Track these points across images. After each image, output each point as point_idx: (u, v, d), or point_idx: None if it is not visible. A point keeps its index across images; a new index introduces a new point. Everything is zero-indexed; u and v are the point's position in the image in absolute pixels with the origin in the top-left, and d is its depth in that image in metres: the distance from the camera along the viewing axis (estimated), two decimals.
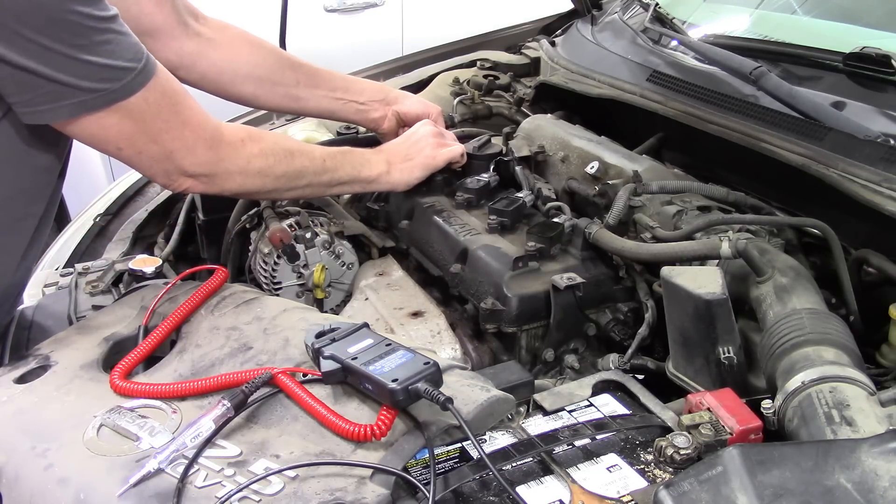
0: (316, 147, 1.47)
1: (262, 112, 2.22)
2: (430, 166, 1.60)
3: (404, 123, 1.77)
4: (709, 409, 1.02)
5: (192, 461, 0.93)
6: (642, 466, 0.98)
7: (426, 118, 1.73)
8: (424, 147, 1.60)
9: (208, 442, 0.96)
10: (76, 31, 1.04)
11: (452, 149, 1.64)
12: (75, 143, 1.31)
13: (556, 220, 1.49)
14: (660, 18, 1.99)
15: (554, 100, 2.10)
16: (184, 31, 1.53)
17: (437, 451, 0.99)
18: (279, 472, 0.91)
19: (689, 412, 1.03)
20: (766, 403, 1.03)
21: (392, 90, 1.81)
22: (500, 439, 1.03)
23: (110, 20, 1.08)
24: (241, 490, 0.89)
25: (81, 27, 1.04)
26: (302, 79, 1.68)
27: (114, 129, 1.14)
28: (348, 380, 1.01)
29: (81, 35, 1.04)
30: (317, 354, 1.02)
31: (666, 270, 1.21)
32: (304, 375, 1.04)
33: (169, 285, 1.30)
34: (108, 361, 1.17)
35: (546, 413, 1.09)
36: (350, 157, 1.49)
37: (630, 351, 1.32)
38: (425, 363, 0.97)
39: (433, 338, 1.38)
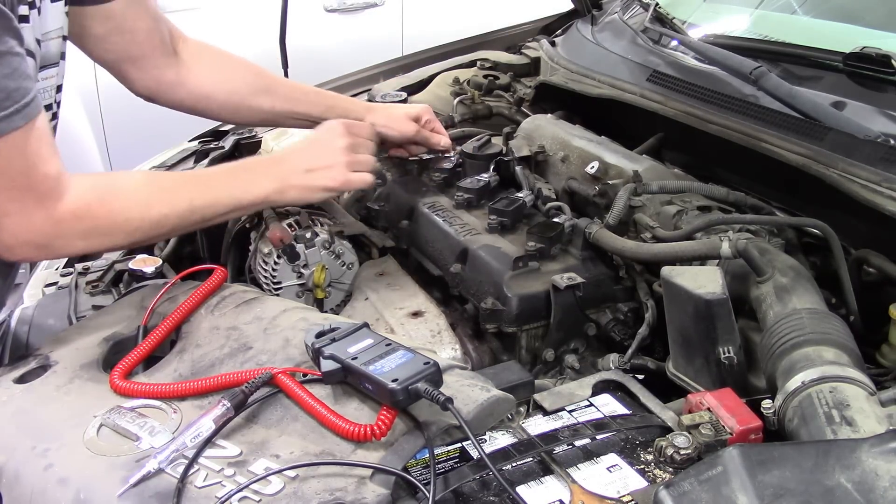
0: (189, 179, 1.34)
1: None
2: (333, 190, 1.40)
3: (383, 141, 1.65)
4: (709, 409, 1.02)
5: (192, 461, 0.93)
6: (642, 466, 0.98)
7: (404, 132, 1.64)
8: (333, 164, 1.37)
9: (208, 442, 0.96)
10: None
11: (363, 177, 1.42)
12: (76, 141, 1.31)
13: (556, 220, 1.49)
14: (660, 18, 1.99)
15: (554, 100, 2.10)
16: (166, 60, 1.51)
17: (437, 451, 0.99)
18: (279, 472, 0.91)
19: (689, 412, 1.03)
20: (766, 403, 1.03)
21: (371, 107, 1.70)
22: (500, 439, 1.03)
23: None
24: (241, 490, 0.89)
25: None
26: (277, 102, 1.61)
27: None
28: (348, 380, 1.01)
29: None
30: (317, 354, 1.03)
31: (666, 270, 1.21)
32: (304, 375, 1.04)
33: (168, 285, 1.30)
34: (108, 361, 1.17)
35: (546, 413, 1.09)
36: (233, 181, 1.33)
37: (630, 351, 1.32)
38: (425, 363, 0.97)
39: (433, 338, 1.38)
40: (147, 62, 1.47)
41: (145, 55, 1.47)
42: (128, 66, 1.46)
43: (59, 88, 1.34)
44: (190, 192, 1.27)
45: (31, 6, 1.17)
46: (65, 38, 1.31)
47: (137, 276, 1.45)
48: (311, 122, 1.61)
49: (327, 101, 1.67)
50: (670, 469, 0.97)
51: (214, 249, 1.77)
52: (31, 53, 1.17)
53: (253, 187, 1.32)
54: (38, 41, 1.22)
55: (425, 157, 1.73)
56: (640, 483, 0.95)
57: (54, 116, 1.35)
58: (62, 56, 1.33)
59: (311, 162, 1.36)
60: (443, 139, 1.69)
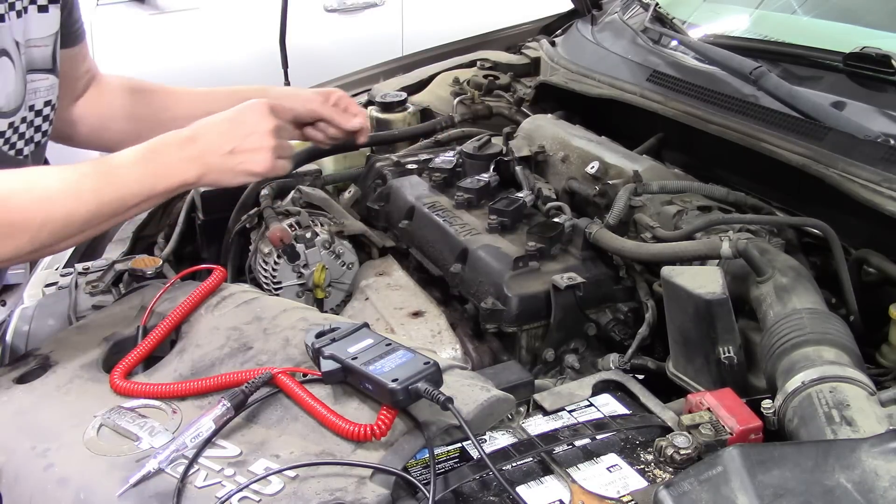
0: (95, 170, 1.16)
1: None
2: (257, 176, 1.27)
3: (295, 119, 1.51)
4: (709, 409, 1.02)
5: (192, 461, 0.93)
6: (642, 466, 0.98)
7: (310, 108, 1.50)
8: (259, 148, 1.23)
9: (208, 442, 0.96)
10: None
11: (285, 164, 1.29)
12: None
13: (556, 220, 1.50)
14: (660, 18, 1.99)
15: (554, 100, 2.10)
16: (74, 101, 1.47)
17: (437, 451, 0.99)
18: (279, 472, 0.91)
19: (689, 412, 1.03)
20: (766, 403, 1.03)
21: (267, 90, 1.52)
22: (500, 439, 1.03)
23: None
24: (241, 490, 0.89)
25: None
26: (180, 114, 1.46)
27: None
28: (348, 380, 1.01)
29: None
30: (317, 354, 1.02)
31: (666, 270, 1.21)
32: (304, 375, 1.04)
33: (167, 285, 1.30)
34: (108, 361, 1.16)
35: (546, 413, 1.09)
36: (143, 168, 1.17)
37: (630, 351, 1.32)
38: (425, 363, 0.97)
39: (433, 338, 1.38)
40: (61, 104, 1.40)
41: (64, 97, 1.40)
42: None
43: (50, 104, 1.31)
44: (96, 185, 1.14)
45: (11, 7, 1.14)
46: (55, 53, 1.29)
47: (137, 276, 1.45)
48: None
49: (231, 98, 1.44)
50: (670, 469, 0.97)
51: (214, 249, 1.78)
52: (5, 53, 1.14)
53: (168, 173, 1.18)
54: (18, 44, 1.19)
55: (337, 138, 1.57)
56: (640, 483, 0.95)
57: (44, 134, 1.33)
58: (54, 71, 1.30)
59: (235, 143, 1.21)
60: (354, 119, 1.53)
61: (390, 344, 1.02)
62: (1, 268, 1.19)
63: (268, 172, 1.26)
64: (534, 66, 2.38)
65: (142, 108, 1.52)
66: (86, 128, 1.49)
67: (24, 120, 1.25)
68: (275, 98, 1.37)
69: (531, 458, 0.99)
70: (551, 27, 2.59)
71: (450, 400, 0.93)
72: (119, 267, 1.50)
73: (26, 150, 1.28)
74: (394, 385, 0.94)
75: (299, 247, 1.56)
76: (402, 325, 1.40)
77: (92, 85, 1.51)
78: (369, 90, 2.34)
